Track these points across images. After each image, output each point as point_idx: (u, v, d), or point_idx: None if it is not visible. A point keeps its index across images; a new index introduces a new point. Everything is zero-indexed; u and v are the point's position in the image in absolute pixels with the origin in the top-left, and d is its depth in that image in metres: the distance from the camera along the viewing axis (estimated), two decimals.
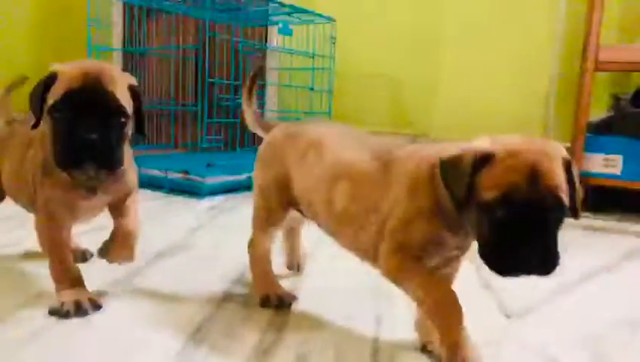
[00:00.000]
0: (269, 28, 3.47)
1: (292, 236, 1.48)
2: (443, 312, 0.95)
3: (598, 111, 2.78)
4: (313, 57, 3.05)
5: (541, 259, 0.86)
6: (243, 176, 2.62)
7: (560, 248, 0.87)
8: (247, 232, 1.31)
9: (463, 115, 3.24)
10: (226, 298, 1.30)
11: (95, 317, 1.15)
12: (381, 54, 3.42)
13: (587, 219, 2.45)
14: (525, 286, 1.47)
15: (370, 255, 1.07)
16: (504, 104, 3.15)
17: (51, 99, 1.07)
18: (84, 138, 1.03)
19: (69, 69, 1.07)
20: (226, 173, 2.53)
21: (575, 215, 0.93)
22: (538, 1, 3.05)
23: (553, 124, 3.16)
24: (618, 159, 2.56)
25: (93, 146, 1.04)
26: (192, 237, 1.83)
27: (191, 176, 2.42)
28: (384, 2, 3.40)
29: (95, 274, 1.33)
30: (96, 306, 1.17)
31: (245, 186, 2.65)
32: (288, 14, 2.96)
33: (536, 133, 3.10)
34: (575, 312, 1.33)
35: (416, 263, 0.99)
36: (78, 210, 1.19)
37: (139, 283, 1.35)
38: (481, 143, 0.91)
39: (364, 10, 3.44)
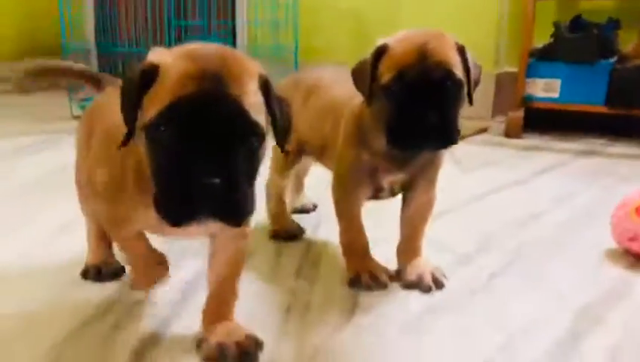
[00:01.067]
0: None
1: (298, 183, 1.59)
2: (350, 251, 1.18)
3: (547, 39, 2.97)
4: None
5: (436, 130, 0.98)
6: None
7: (458, 124, 1.00)
8: None
9: None
10: None
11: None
12: None
13: (523, 140, 2.72)
14: (448, 194, 1.75)
15: None
16: (460, 31, 3.31)
17: (150, 109, 0.71)
18: (200, 182, 0.68)
19: (176, 62, 0.72)
20: None
21: (470, 100, 1.05)
22: None
23: (505, 50, 3.37)
24: (556, 83, 2.80)
25: (214, 193, 0.68)
26: None
27: None
28: None
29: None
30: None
31: None
32: None
33: (489, 58, 3.31)
34: (480, 215, 1.61)
35: (347, 204, 1.16)
36: (168, 232, 0.90)
37: None
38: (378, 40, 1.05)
39: None
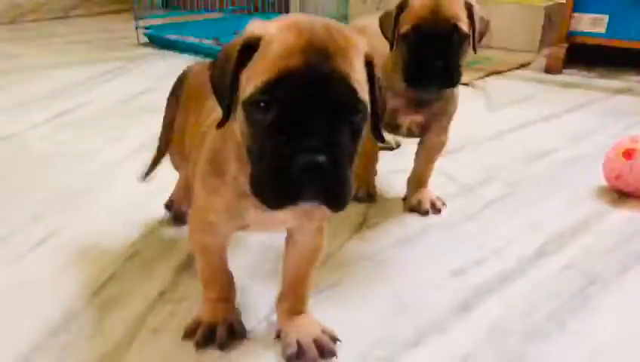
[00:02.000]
0: None
1: None
2: (360, 173, 1.39)
3: None
4: None
5: (442, 73, 1.21)
6: None
7: (460, 68, 1.22)
8: None
9: None
10: None
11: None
12: None
13: (563, 76, 2.78)
14: (469, 131, 1.93)
15: None
16: None
17: (250, 85, 0.67)
18: (305, 160, 0.63)
19: (280, 34, 0.67)
20: None
21: (474, 48, 1.25)
22: None
23: None
24: (604, 18, 2.80)
25: (319, 173, 0.64)
26: None
27: (221, 43, 2.86)
28: None
29: None
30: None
31: None
32: None
33: None
34: (494, 151, 1.79)
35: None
36: (246, 221, 0.84)
37: None
38: None
39: None
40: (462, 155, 1.73)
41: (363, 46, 0.71)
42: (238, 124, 0.71)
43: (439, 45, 1.20)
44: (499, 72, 2.81)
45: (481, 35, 1.27)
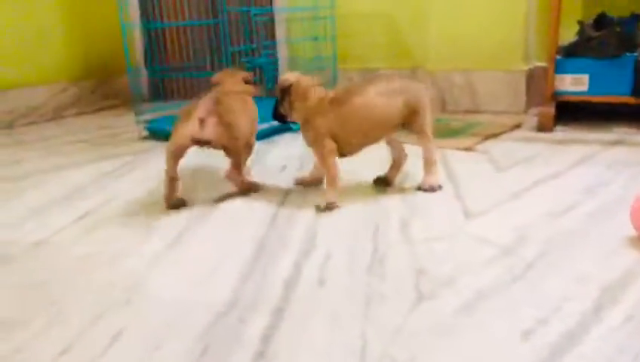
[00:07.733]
0: None
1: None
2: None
3: (573, 33, 3.16)
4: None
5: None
6: (264, 125, 3.12)
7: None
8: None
9: (453, 43, 3.64)
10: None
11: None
12: None
13: (555, 133, 2.92)
14: (485, 193, 2.00)
15: None
16: (489, 29, 3.53)
17: None
18: None
19: None
20: None
21: None
22: None
23: (534, 46, 3.56)
24: (584, 78, 2.99)
25: None
26: None
27: None
28: None
29: None
30: None
31: (265, 134, 3.15)
32: None
33: (519, 54, 3.51)
34: (517, 210, 1.85)
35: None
36: None
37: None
38: None
39: None
40: (489, 217, 1.78)
41: None
42: None
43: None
44: (495, 135, 2.94)
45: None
